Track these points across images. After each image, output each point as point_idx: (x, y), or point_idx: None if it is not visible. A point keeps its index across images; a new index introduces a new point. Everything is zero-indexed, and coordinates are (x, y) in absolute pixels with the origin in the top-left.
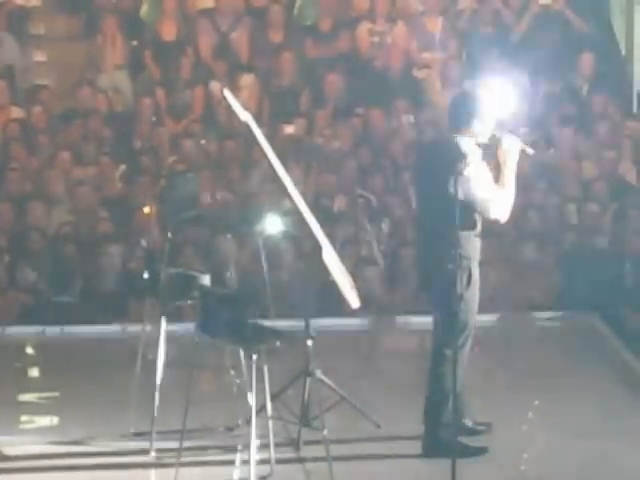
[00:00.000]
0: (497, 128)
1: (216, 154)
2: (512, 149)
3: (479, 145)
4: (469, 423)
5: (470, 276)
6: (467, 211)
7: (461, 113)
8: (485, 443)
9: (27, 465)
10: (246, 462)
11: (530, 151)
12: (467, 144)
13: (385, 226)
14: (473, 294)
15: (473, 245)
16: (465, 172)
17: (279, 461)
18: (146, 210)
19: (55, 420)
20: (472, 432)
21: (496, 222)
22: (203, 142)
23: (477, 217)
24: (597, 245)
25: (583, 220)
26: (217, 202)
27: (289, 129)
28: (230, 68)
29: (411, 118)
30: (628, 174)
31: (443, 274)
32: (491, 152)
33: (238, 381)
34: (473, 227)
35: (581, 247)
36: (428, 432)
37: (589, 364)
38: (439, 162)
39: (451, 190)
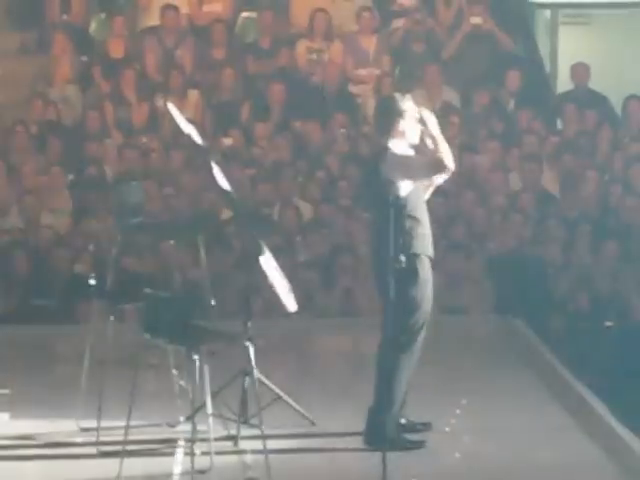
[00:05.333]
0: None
1: (160, 164)
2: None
3: (410, 147)
4: (403, 421)
5: (417, 274)
6: (404, 207)
7: (386, 115)
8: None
9: None
10: (187, 456)
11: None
12: (397, 145)
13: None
14: (422, 292)
15: (420, 242)
16: (389, 154)
17: (219, 455)
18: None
19: (5, 416)
20: (411, 430)
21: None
22: (145, 141)
23: (418, 213)
24: (521, 253)
25: (508, 229)
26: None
27: (229, 140)
28: (174, 83)
29: (343, 130)
30: (550, 185)
31: (390, 274)
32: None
33: (182, 382)
34: (414, 223)
35: (506, 255)
36: (372, 424)
37: (513, 365)
38: (374, 166)
39: (383, 180)
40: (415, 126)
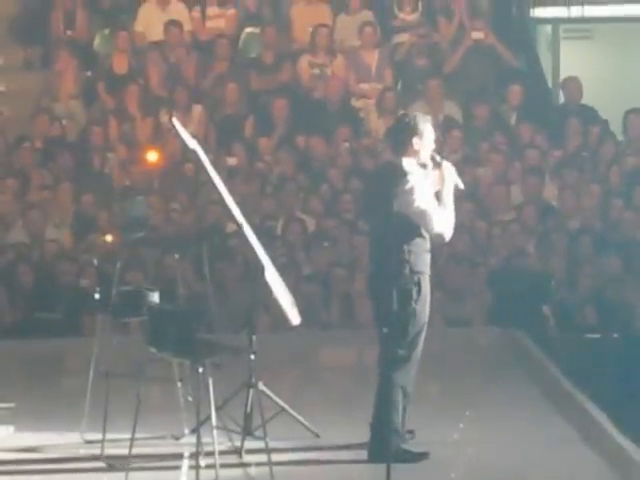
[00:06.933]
0: (435, 153)
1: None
2: (448, 175)
3: (421, 165)
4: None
5: (420, 290)
6: (413, 226)
7: (403, 133)
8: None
9: None
10: (192, 468)
11: (461, 185)
12: (409, 163)
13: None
14: (423, 307)
15: (423, 260)
16: (406, 187)
17: (223, 467)
18: (108, 238)
19: (10, 429)
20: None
21: (439, 239)
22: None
23: (424, 232)
24: (524, 265)
25: (509, 242)
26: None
27: (233, 160)
28: (179, 98)
29: (346, 144)
30: (553, 199)
31: (393, 289)
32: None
33: (189, 397)
34: (421, 242)
35: (509, 267)
36: (376, 439)
37: (516, 377)
38: (383, 182)
39: (394, 206)
40: (430, 147)
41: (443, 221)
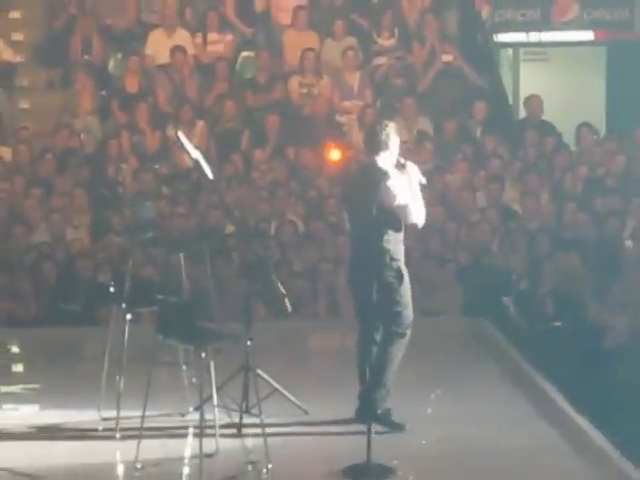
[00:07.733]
0: (400, 157)
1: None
2: (413, 173)
3: (393, 165)
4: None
5: (402, 275)
6: (393, 218)
7: (377, 135)
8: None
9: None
10: (196, 440)
11: (423, 181)
12: (385, 163)
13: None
14: (406, 288)
15: (399, 250)
16: (388, 184)
17: (223, 438)
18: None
19: (36, 407)
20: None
21: (415, 226)
22: (157, 166)
23: (401, 224)
24: (489, 262)
25: (476, 241)
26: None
27: (232, 164)
28: (184, 114)
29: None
30: (514, 203)
31: (376, 276)
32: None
33: (194, 379)
34: (399, 231)
35: (476, 264)
36: (366, 403)
37: (482, 361)
38: (365, 180)
39: (377, 201)
40: (396, 149)
41: (417, 212)
